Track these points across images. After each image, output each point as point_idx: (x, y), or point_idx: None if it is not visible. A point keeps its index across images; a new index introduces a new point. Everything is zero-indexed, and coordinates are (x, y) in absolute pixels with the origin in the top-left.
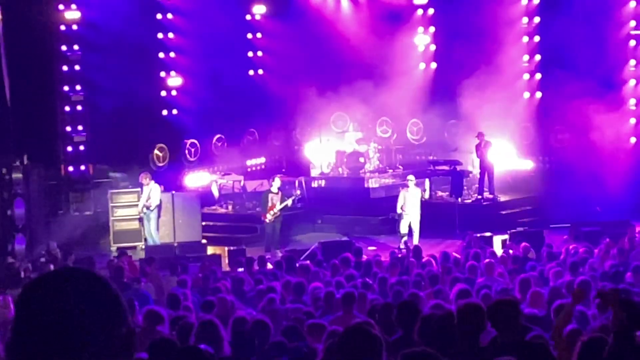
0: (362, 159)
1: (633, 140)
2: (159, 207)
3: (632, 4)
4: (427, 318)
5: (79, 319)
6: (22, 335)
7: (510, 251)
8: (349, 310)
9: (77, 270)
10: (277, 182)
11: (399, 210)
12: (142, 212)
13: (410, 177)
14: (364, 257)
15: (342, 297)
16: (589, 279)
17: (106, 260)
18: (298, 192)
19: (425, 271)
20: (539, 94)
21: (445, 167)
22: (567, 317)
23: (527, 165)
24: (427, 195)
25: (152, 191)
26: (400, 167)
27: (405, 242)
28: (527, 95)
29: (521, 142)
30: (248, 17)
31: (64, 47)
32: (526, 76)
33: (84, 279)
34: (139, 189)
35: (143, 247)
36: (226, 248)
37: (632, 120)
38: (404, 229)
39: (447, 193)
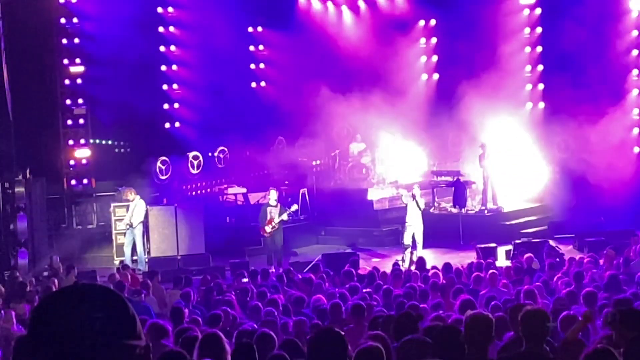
0: (365, 170)
1: (637, 149)
2: (144, 223)
3: (634, 14)
4: (429, 330)
5: (94, 334)
6: (36, 350)
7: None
8: (359, 322)
9: (92, 286)
10: (273, 195)
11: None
12: (126, 229)
13: (415, 187)
14: (367, 268)
15: (351, 309)
16: (594, 290)
17: (109, 273)
18: (295, 205)
19: (430, 283)
20: (541, 104)
21: (449, 178)
22: (575, 333)
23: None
24: (422, 206)
25: (137, 207)
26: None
27: (410, 253)
28: (530, 105)
29: (525, 152)
30: (250, 29)
31: (65, 61)
32: (529, 86)
33: (99, 295)
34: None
35: (146, 260)
36: (229, 260)
37: (636, 130)
38: (407, 240)
39: (451, 204)
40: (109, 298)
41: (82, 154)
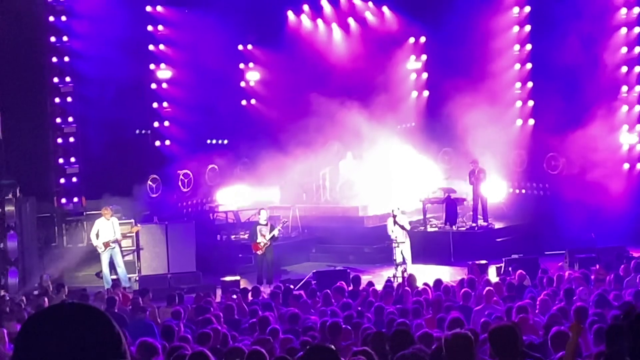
0: (355, 188)
1: (626, 166)
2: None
3: (624, 30)
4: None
5: (79, 354)
6: None
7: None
8: (334, 340)
9: (78, 305)
10: (264, 214)
11: (390, 235)
12: (110, 247)
13: (397, 205)
14: (358, 285)
15: (328, 327)
16: (585, 306)
17: (101, 292)
18: (285, 220)
19: (422, 299)
20: (531, 121)
21: (439, 195)
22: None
23: (518, 192)
24: (407, 226)
25: (115, 225)
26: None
27: (402, 271)
28: (520, 122)
29: (515, 169)
30: (240, 47)
31: (56, 79)
32: (519, 103)
33: (85, 314)
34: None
35: (137, 278)
36: (220, 278)
37: (625, 147)
38: (398, 257)
39: (442, 221)
40: (94, 317)
41: (73, 172)
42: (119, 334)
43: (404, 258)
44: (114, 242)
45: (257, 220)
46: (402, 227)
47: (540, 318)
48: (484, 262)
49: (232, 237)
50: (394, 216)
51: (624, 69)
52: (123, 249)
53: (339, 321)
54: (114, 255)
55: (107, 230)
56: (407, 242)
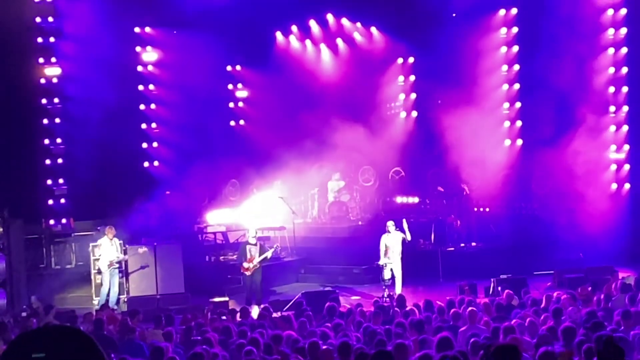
0: (345, 208)
1: (614, 186)
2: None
3: (611, 51)
4: None
5: None
6: None
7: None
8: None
9: (61, 327)
10: (252, 232)
11: (381, 257)
12: (113, 266)
13: (390, 222)
14: (347, 306)
15: (338, 347)
16: (573, 326)
17: (90, 312)
18: (278, 245)
19: (408, 320)
20: (519, 141)
21: (428, 215)
22: None
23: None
24: (408, 237)
25: (116, 244)
26: (383, 214)
27: (390, 295)
28: (508, 142)
29: (502, 188)
30: (229, 67)
31: (44, 101)
32: (507, 123)
33: (68, 336)
34: (120, 241)
35: (125, 299)
36: (209, 299)
37: (613, 167)
38: (387, 274)
39: (430, 241)
40: (79, 339)
41: (61, 193)
42: (102, 356)
43: (393, 277)
44: (118, 262)
45: (246, 240)
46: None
47: (528, 338)
48: (473, 282)
49: (221, 258)
50: (389, 231)
51: (612, 89)
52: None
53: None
54: (112, 276)
55: (110, 250)
56: (399, 260)
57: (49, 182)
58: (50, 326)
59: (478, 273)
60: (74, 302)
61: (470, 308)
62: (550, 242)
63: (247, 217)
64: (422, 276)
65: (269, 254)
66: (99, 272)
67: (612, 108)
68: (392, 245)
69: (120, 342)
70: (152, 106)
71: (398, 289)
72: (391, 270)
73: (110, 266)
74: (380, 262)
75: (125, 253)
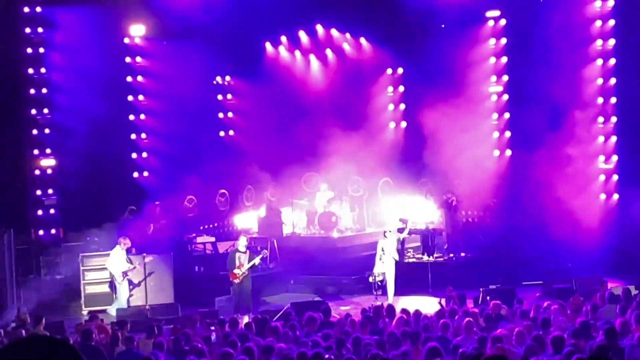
0: (334, 219)
1: (603, 196)
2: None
3: (599, 61)
4: None
5: None
6: None
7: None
8: None
9: (46, 338)
10: (242, 241)
11: (377, 262)
12: (127, 276)
13: (389, 228)
14: (336, 316)
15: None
16: (561, 335)
17: (81, 323)
18: (265, 251)
19: (400, 331)
20: (508, 152)
21: (417, 226)
22: None
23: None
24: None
25: (124, 255)
26: (372, 226)
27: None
28: (497, 153)
29: (491, 199)
30: (218, 78)
31: (33, 111)
32: (496, 134)
33: (52, 348)
34: (115, 251)
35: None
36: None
37: (602, 177)
38: (378, 277)
39: (419, 252)
40: (63, 350)
41: (50, 204)
42: None
43: (384, 287)
44: (131, 270)
45: (235, 248)
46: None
47: (517, 349)
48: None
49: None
50: (385, 237)
51: (600, 100)
52: (100, 280)
53: (320, 351)
54: (126, 286)
55: (122, 260)
56: (392, 265)
57: (39, 192)
58: (37, 336)
59: (467, 283)
60: (64, 312)
61: (467, 319)
62: (539, 252)
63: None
64: (412, 286)
65: (257, 260)
66: (111, 284)
67: (601, 119)
68: (387, 249)
69: (112, 352)
70: (142, 117)
71: (390, 297)
72: (383, 274)
73: (126, 276)
74: (375, 270)
75: (131, 262)
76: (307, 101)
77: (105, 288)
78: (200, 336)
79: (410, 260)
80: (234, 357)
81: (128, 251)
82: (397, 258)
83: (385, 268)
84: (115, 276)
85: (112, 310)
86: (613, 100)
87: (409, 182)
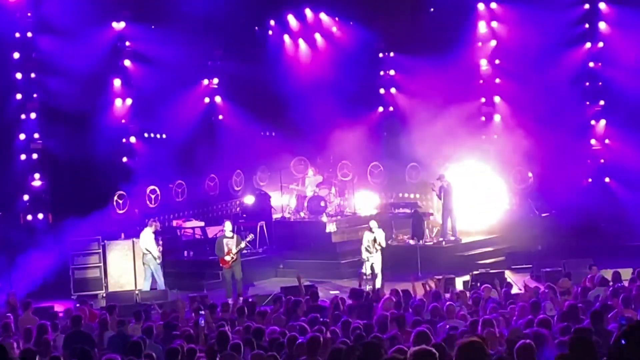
0: (323, 203)
1: (590, 180)
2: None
3: (591, 64)
4: None
5: None
6: None
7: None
8: (313, 355)
9: None
10: (228, 226)
11: (363, 251)
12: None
13: (373, 222)
14: (326, 300)
15: (307, 342)
16: (548, 318)
17: (67, 309)
18: (252, 235)
19: (389, 313)
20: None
21: (406, 210)
22: None
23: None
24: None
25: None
26: (361, 209)
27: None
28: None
29: (482, 183)
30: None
31: (19, 96)
32: (482, 118)
33: None
34: (146, 233)
35: (104, 295)
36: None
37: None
38: (367, 269)
39: (409, 235)
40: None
41: (38, 188)
42: None
43: (373, 272)
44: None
45: (222, 234)
46: (379, 244)
47: (506, 331)
48: (451, 276)
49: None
50: (371, 230)
51: (593, 122)
52: (89, 265)
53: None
54: (155, 270)
55: (153, 242)
56: (379, 255)
57: (27, 177)
58: None
59: (457, 267)
60: (53, 297)
61: (447, 303)
62: (530, 236)
63: None
64: (401, 270)
65: (243, 244)
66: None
67: (593, 122)
68: (379, 239)
69: (113, 335)
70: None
71: (378, 283)
72: (372, 265)
73: (159, 258)
74: (363, 256)
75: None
76: (295, 84)
77: (95, 273)
78: (188, 320)
79: (400, 244)
80: (230, 340)
81: (116, 236)
82: (384, 246)
83: (374, 259)
84: (154, 255)
85: (145, 286)
86: (602, 102)
87: (399, 166)
